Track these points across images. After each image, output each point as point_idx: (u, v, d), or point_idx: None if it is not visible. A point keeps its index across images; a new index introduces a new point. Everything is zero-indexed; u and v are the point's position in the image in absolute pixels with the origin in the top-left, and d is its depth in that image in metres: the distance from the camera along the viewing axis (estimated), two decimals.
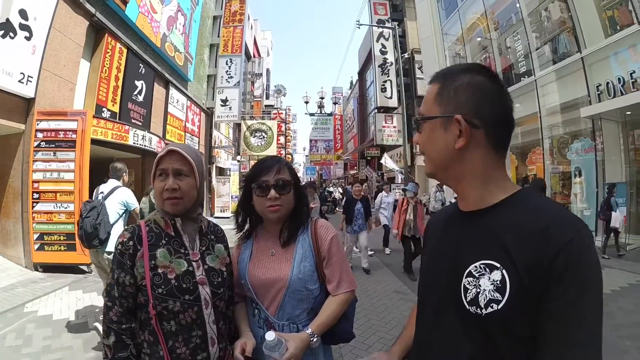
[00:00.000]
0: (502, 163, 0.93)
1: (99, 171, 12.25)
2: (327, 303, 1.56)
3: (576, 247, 0.74)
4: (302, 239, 1.61)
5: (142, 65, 11.42)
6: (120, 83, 10.09)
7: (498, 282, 0.79)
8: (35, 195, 6.86)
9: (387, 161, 22.33)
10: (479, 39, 15.79)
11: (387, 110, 25.04)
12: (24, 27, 6.54)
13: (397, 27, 23.04)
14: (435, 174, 1.00)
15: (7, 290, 5.79)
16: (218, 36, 20.15)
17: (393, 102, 24.54)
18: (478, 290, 0.81)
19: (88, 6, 8.34)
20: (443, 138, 0.92)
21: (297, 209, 1.64)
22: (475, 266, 0.84)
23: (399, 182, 23.31)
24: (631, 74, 8.37)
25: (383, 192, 9.78)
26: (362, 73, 37.29)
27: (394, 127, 24.42)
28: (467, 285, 0.84)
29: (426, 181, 20.63)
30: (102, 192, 4.54)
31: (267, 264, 1.58)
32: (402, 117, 22.55)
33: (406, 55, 23.63)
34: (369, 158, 33.60)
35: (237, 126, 25.12)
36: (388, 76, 24.50)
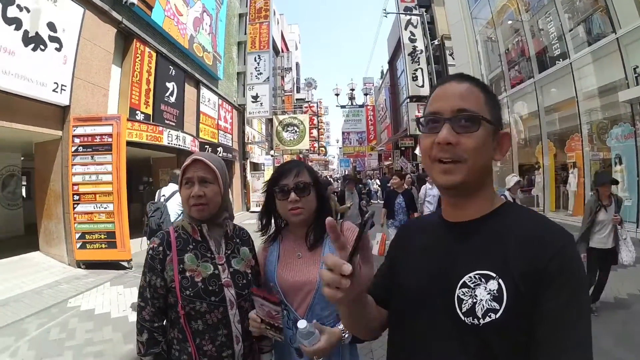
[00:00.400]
0: None
1: (137, 171, 12.88)
2: None
3: (568, 252, 0.77)
4: (328, 242, 1.62)
5: (172, 67, 11.74)
6: (151, 86, 10.42)
7: (495, 291, 0.78)
8: (76, 197, 7.22)
9: (420, 152, 21.90)
10: (510, 22, 15.06)
11: (419, 99, 24.41)
12: (54, 39, 6.86)
13: (424, 13, 22.46)
14: (466, 184, 0.88)
15: (52, 287, 6.15)
16: (245, 33, 20.38)
17: (425, 91, 23.86)
18: (474, 300, 0.81)
19: (114, 14, 8.65)
20: (491, 147, 0.90)
21: (320, 210, 1.66)
22: (470, 277, 0.83)
23: None
24: None
25: (427, 183, 8.38)
26: (392, 62, 36.56)
27: None
28: (462, 296, 0.83)
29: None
30: (163, 195, 5.16)
31: (295, 267, 1.61)
32: None
33: (436, 42, 23.04)
34: (403, 148, 32.97)
35: (269, 121, 25.38)
36: (419, 64, 23.85)
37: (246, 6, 20.52)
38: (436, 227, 1.00)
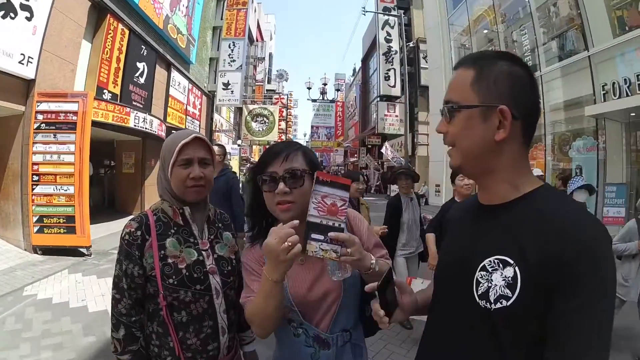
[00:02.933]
0: (527, 156, 0.94)
1: (100, 153, 12.31)
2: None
3: (594, 250, 0.73)
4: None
5: (144, 47, 11.26)
6: (121, 65, 9.95)
7: (509, 278, 0.78)
8: (35, 178, 6.80)
9: (387, 151, 22.29)
10: (485, 31, 15.62)
11: (389, 98, 24.95)
12: (25, 7, 6.40)
13: (403, 15, 22.85)
14: (463, 167, 0.95)
15: (7, 273, 5.79)
16: (221, 19, 19.86)
17: (396, 91, 24.42)
18: (489, 285, 0.81)
19: None
20: (481, 129, 0.87)
21: None
22: (490, 261, 0.83)
23: None
24: (638, 75, 8.29)
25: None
26: (365, 60, 37.00)
27: (396, 116, 24.38)
28: (480, 279, 0.84)
29: (426, 172, 20.61)
30: None
31: (305, 277, 1.31)
32: (405, 107, 22.44)
33: (411, 44, 23.48)
34: (369, 146, 33.52)
35: (239, 110, 25.01)
36: (392, 64, 24.33)
37: None
38: (472, 208, 1.03)
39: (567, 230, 0.75)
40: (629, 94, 8.45)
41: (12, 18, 6.15)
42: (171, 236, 1.38)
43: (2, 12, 5.98)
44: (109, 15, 9.14)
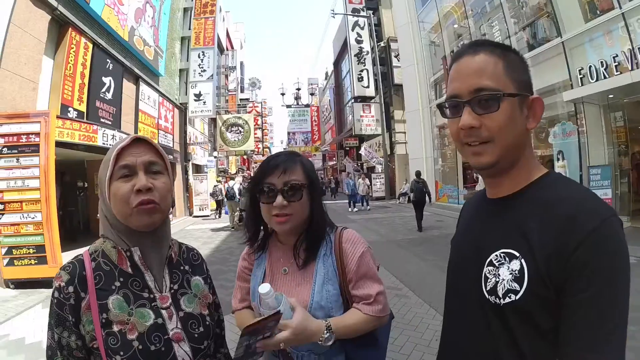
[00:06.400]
0: None
1: (71, 174, 11.77)
2: (354, 312, 1.26)
3: (601, 237, 0.69)
4: (323, 256, 1.30)
5: (109, 61, 10.89)
6: (86, 80, 9.56)
7: (516, 271, 0.76)
8: (0, 207, 6.32)
9: (365, 151, 22.27)
10: (455, 26, 15.83)
11: (364, 99, 25.05)
12: None
13: (372, 15, 23.03)
14: (499, 163, 0.84)
15: None
16: (189, 29, 19.53)
17: (370, 92, 24.55)
18: (497, 279, 0.79)
19: None
20: (521, 119, 0.83)
21: (313, 218, 1.31)
22: (496, 255, 0.82)
23: (380, 171, 23.39)
24: (614, 57, 8.46)
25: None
26: (337, 63, 37.22)
27: (372, 116, 24.47)
28: (488, 275, 0.82)
29: (405, 170, 20.66)
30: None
31: (282, 285, 1.30)
32: (380, 106, 22.64)
33: (382, 44, 23.68)
34: (347, 149, 33.59)
35: (213, 121, 24.65)
36: (364, 65, 24.45)
37: (192, 0, 19.65)
38: (478, 204, 1.01)
39: (572, 218, 0.72)
40: (607, 76, 8.59)
41: None
42: (115, 292, 0.98)
43: None
44: (70, 29, 8.76)
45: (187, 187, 18.94)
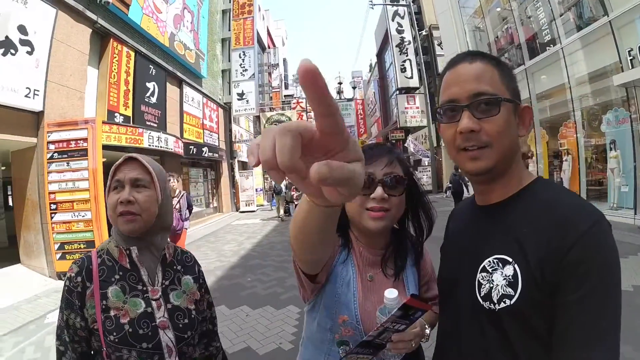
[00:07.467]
0: None
1: None
2: (429, 313, 1.18)
3: (592, 239, 0.71)
4: (410, 265, 1.25)
5: (152, 67, 11.44)
6: (130, 87, 10.14)
7: (510, 277, 0.77)
8: (53, 206, 6.96)
9: (411, 144, 21.76)
10: (498, 10, 14.93)
11: (408, 91, 24.37)
12: (25, 42, 6.55)
13: (411, 3, 22.32)
14: (496, 169, 0.86)
15: (31, 302, 5.89)
16: (229, 30, 20.07)
17: (414, 82, 23.85)
18: (491, 285, 0.81)
19: (89, 13, 8.32)
20: (514, 125, 0.86)
21: (406, 220, 1.25)
22: (489, 261, 0.83)
23: (426, 164, 22.76)
24: None
25: None
26: (380, 55, 36.47)
27: (417, 107, 23.70)
28: (481, 281, 0.83)
29: (453, 163, 20.03)
30: None
31: (372, 294, 1.17)
32: (425, 97, 21.95)
33: (424, 33, 22.90)
34: (393, 141, 33.00)
35: (257, 119, 25.14)
36: (407, 55, 23.76)
37: (229, 2, 20.17)
38: (468, 211, 1.02)
39: (563, 222, 0.74)
40: None
41: (12, 54, 6.30)
42: (115, 283, 1.18)
43: (2, 50, 6.12)
44: (112, 39, 9.30)
45: (233, 184, 19.59)
